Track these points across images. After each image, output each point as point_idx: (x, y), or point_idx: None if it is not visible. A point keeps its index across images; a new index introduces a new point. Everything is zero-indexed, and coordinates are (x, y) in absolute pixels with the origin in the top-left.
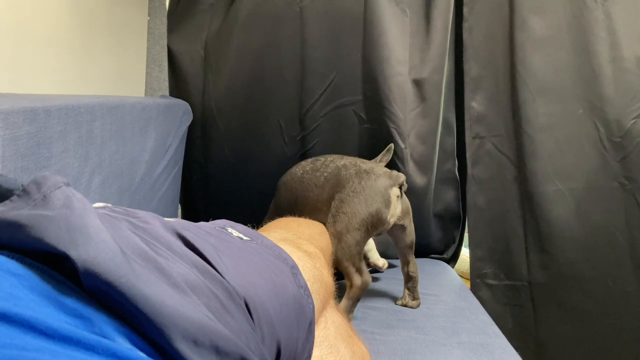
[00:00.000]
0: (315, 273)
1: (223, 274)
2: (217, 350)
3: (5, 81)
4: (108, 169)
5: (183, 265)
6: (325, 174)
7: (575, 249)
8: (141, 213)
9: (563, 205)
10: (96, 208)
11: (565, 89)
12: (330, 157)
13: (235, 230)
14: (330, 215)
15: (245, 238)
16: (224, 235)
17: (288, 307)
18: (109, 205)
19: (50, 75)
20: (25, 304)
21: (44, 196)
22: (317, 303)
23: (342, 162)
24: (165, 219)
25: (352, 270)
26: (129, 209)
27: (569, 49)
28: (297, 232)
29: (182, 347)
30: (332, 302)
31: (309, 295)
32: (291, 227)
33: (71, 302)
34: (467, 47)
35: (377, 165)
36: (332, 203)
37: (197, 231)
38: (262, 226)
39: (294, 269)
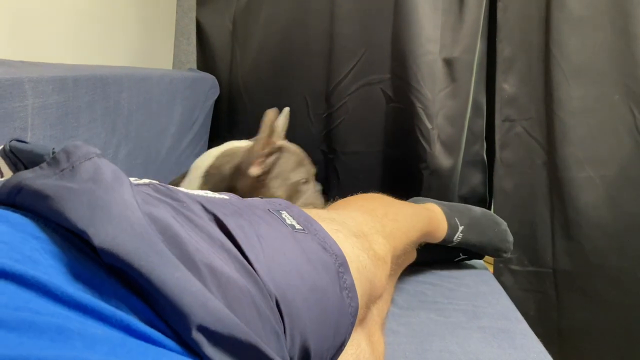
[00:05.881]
0: (366, 288)
1: (259, 272)
2: (235, 344)
3: (32, 51)
4: (135, 141)
5: (219, 258)
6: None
7: (604, 237)
8: (184, 197)
9: (593, 192)
10: (139, 185)
11: (602, 73)
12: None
13: (289, 217)
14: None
15: (297, 227)
16: (275, 222)
17: (326, 315)
18: (155, 182)
19: (78, 46)
20: (43, 269)
21: (73, 167)
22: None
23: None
24: (217, 195)
25: None
26: (173, 189)
27: (607, 30)
28: (377, 225)
29: (198, 336)
30: None
31: (353, 298)
32: (377, 214)
33: (89, 273)
34: (500, 26)
35: None
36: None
37: (247, 216)
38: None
39: (341, 267)
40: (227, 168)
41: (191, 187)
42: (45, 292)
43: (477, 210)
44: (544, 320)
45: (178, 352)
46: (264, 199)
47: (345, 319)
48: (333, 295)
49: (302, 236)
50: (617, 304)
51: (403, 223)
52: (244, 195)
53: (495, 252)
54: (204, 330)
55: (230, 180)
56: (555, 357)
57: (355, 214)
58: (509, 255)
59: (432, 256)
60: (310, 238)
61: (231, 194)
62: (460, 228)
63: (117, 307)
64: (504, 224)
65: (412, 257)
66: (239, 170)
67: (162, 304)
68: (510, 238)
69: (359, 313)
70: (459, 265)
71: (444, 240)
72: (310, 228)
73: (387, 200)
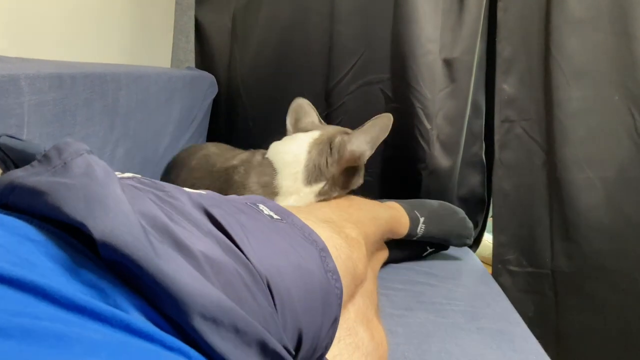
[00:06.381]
0: (349, 265)
1: (247, 254)
2: (236, 329)
3: (29, 48)
4: (133, 139)
5: (207, 243)
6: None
7: (603, 239)
8: (169, 187)
9: (592, 194)
10: (123, 178)
11: (602, 74)
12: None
13: (266, 208)
14: None
15: (275, 217)
16: (254, 212)
17: (314, 294)
18: (138, 176)
19: (76, 43)
20: (40, 271)
21: (65, 163)
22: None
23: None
24: (195, 191)
25: None
26: (158, 181)
27: (608, 32)
28: (344, 214)
29: (200, 325)
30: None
31: (337, 280)
32: (341, 206)
33: (87, 272)
34: (500, 27)
35: None
36: None
37: (227, 207)
38: None
39: (323, 251)
40: (325, 155)
41: (294, 181)
42: (43, 296)
43: (434, 202)
44: (543, 322)
45: (178, 348)
46: (241, 196)
47: (332, 299)
48: (319, 275)
49: (282, 225)
50: (616, 306)
51: (368, 211)
52: (342, 180)
53: (459, 239)
54: (204, 318)
55: (334, 165)
56: (554, 359)
57: (320, 207)
58: (471, 241)
59: (400, 253)
60: (289, 227)
61: (208, 191)
62: (422, 219)
63: (115, 306)
64: (461, 212)
65: (385, 254)
66: (347, 154)
67: (161, 295)
68: (470, 224)
69: (344, 293)
70: (458, 266)
71: (409, 234)
72: (288, 219)
73: (347, 196)
